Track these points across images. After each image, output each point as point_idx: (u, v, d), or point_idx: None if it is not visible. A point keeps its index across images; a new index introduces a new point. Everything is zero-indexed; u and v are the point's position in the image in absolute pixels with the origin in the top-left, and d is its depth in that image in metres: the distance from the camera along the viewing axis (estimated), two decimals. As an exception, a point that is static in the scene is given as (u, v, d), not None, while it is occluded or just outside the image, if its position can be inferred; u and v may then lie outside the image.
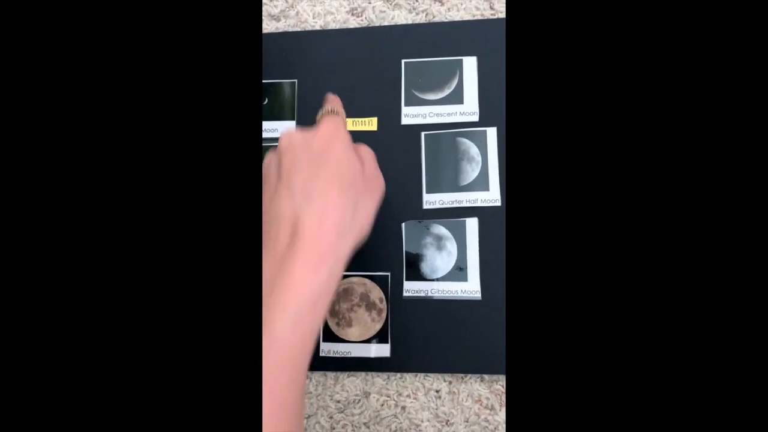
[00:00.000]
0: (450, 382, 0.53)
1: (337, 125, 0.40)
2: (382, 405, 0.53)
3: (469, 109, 0.56)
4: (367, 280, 0.54)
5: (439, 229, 0.55)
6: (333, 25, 0.60)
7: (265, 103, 0.58)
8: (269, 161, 0.40)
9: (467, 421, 0.52)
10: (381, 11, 0.59)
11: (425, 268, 0.54)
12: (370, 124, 0.57)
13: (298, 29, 0.60)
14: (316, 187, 0.35)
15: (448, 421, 0.52)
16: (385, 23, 0.59)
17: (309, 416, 0.54)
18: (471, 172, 0.55)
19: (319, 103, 0.58)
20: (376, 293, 0.54)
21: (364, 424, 0.53)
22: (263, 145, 0.57)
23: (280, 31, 0.60)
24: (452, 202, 0.55)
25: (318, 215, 0.34)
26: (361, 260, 0.55)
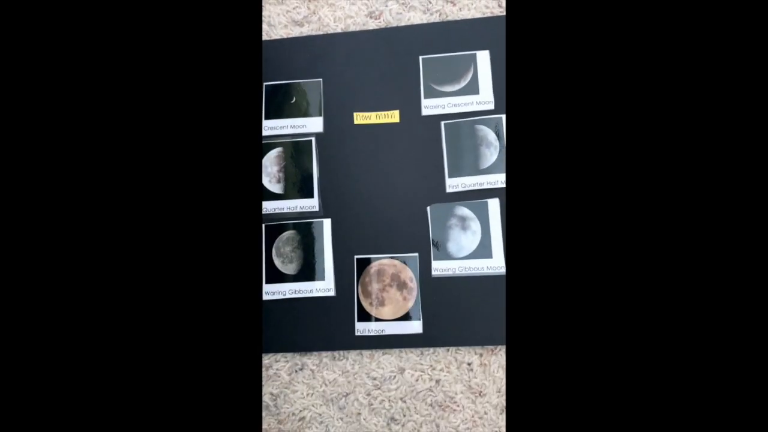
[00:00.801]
0: (481, 355, 0.56)
1: None
2: (417, 380, 0.56)
3: (484, 98, 0.60)
4: (397, 262, 0.58)
5: (463, 211, 0.58)
6: (353, 28, 0.64)
7: (293, 101, 0.62)
8: None
9: (499, 392, 0.55)
10: (397, 13, 0.64)
11: (451, 247, 0.57)
12: (393, 116, 0.61)
13: (321, 33, 0.64)
14: None
15: (481, 392, 0.55)
16: (402, 24, 0.63)
17: (347, 394, 0.56)
18: (490, 156, 0.58)
19: (343, 100, 0.62)
20: (407, 273, 0.57)
21: (401, 398, 0.56)
22: (287, 141, 0.61)
23: (304, 35, 0.64)
24: (474, 185, 0.58)
25: None
26: (390, 243, 0.58)
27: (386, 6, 0.64)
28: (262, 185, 0.60)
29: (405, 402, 0.56)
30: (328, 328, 0.57)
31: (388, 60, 0.62)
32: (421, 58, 0.62)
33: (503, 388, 0.55)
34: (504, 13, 0.62)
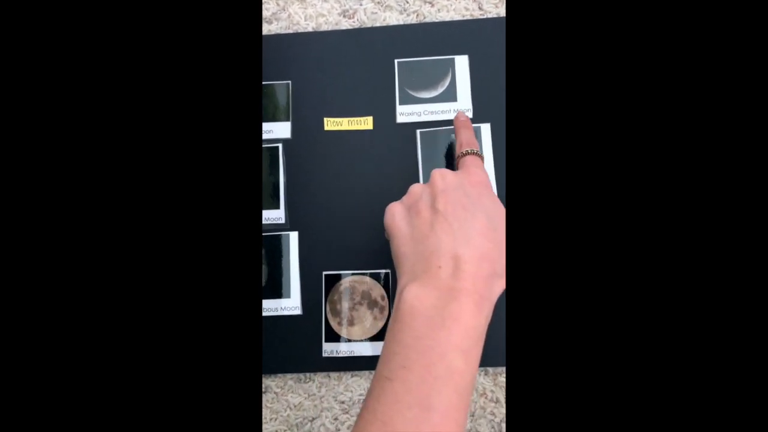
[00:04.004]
0: (454, 377, 0.53)
1: (485, 174, 0.43)
2: (387, 403, 0.53)
3: (462, 106, 0.57)
4: (367, 278, 0.54)
5: (438, 225, 0.55)
6: (325, 27, 0.60)
7: (259, 104, 0.58)
8: (420, 192, 0.42)
9: (473, 415, 0.52)
10: (372, 13, 0.60)
11: (425, 264, 0.54)
12: (366, 123, 0.57)
13: (291, 31, 0.60)
14: (472, 232, 0.37)
15: (454, 416, 0.52)
16: (377, 24, 0.60)
17: (314, 419, 0.53)
18: (467, 168, 0.56)
19: (313, 105, 0.58)
20: (378, 291, 0.54)
21: (370, 423, 0.53)
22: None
23: (273, 33, 0.60)
24: (450, 198, 0.55)
25: (477, 258, 0.36)
26: (361, 259, 0.55)
27: (361, 5, 0.60)
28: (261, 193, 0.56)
29: (374, 427, 0.53)
30: (294, 348, 0.54)
31: (361, 62, 0.58)
32: (396, 61, 0.58)
33: (477, 412, 0.52)
34: (484, 16, 0.59)
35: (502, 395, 0.52)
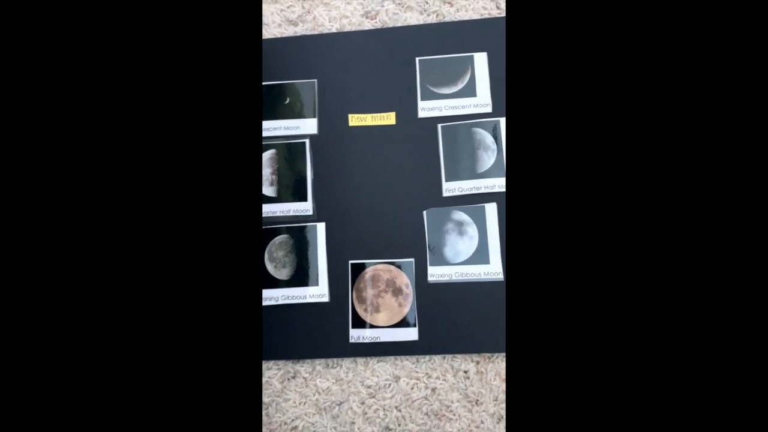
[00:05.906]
0: (477, 362, 0.55)
1: None
2: (413, 388, 0.55)
3: (482, 101, 0.59)
4: (392, 267, 0.56)
5: (460, 215, 0.57)
6: (348, 28, 0.63)
7: (287, 102, 0.61)
8: None
9: (496, 400, 0.54)
10: (394, 13, 0.62)
11: (448, 252, 0.56)
12: (389, 118, 0.60)
13: (316, 33, 0.63)
14: None
15: (478, 400, 0.54)
16: (398, 25, 0.62)
17: (341, 402, 0.55)
18: (487, 160, 0.58)
19: (338, 102, 0.60)
20: (402, 279, 0.56)
21: (396, 407, 0.54)
22: (281, 142, 0.60)
23: (299, 35, 0.63)
24: (471, 189, 0.57)
25: None
26: (386, 248, 0.57)
27: (382, 6, 0.63)
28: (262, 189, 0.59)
29: (400, 411, 0.54)
30: (322, 334, 0.56)
31: (384, 61, 0.61)
32: (417, 59, 0.61)
33: (500, 397, 0.54)
34: (501, 15, 0.61)
35: (524, 379, 0.54)
